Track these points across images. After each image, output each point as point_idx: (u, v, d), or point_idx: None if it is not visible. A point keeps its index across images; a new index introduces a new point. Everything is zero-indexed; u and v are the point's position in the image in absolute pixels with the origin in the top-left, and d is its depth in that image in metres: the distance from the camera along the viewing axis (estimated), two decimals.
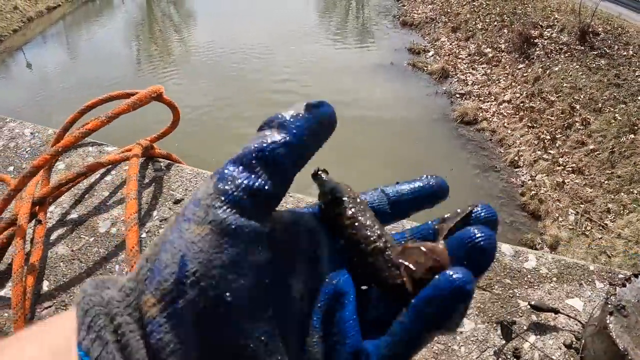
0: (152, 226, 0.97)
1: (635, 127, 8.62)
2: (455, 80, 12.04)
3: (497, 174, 8.39)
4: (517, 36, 12.74)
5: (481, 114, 10.25)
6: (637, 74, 9.99)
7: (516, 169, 8.56)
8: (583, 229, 7.19)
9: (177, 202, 1.04)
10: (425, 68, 12.81)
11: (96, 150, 1.23)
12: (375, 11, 20.88)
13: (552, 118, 9.53)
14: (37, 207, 0.95)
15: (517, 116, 9.92)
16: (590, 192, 7.77)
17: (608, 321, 0.59)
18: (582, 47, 11.33)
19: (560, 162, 8.43)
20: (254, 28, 17.76)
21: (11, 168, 1.21)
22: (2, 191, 1.04)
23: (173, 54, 16.73)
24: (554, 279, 0.73)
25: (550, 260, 0.76)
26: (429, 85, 11.92)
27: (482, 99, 10.87)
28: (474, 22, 14.70)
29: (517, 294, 0.69)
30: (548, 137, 9.03)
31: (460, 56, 13.15)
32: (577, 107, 9.55)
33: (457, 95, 11.27)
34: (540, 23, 12.98)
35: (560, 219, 7.40)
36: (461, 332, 0.63)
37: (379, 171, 8.34)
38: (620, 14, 12.96)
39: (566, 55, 11.32)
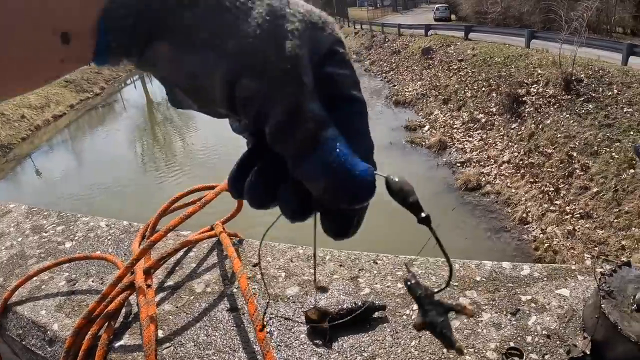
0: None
1: (633, 162, 9.51)
2: (454, 149, 13.29)
3: (508, 234, 9.22)
4: (506, 97, 14.18)
5: (484, 179, 11.31)
6: (625, 110, 11.07)
7: (526, 226, 9.39)
8: None
9: (255, 265, 1.35)
10: (423, 143, 14.17)
11: (174, 235, 1.57)
12: (367, 93, 22.97)
13: (553, 170, 10.52)
14: (145, 276, 1.24)
15: (519, 174, 10.94)
16: (602, 234, 8.51)
17: (601, 302, 0.87)
18: (569, 96, 12.60)
19: (568, 211, 9.26)
20: None
21: (98, 252, 1.56)
22: (103, 269, 1.51)
23: (176, 154, 18.31)
24: (545, 279, 1.07)
25: (540, 267, 1.14)
26: (429, 159, 13.17)
27: (482, 163, 12.00)
28: (463, 92, 16.34)
29: (518, 292, 1.06)
30: (552, 189, 9.95)
31: (455, 126, 14.56)
32: (574, 154, 10.56)
33: (458, 164, 12.43)
34: (525, 81, 14.46)
35: (577, 265, 8.08)
36: (482, 320, 0.98)
37: (394, 251, 9.22)
38: (599, 57, 14.41)
39: (555, 107, 12.59)
